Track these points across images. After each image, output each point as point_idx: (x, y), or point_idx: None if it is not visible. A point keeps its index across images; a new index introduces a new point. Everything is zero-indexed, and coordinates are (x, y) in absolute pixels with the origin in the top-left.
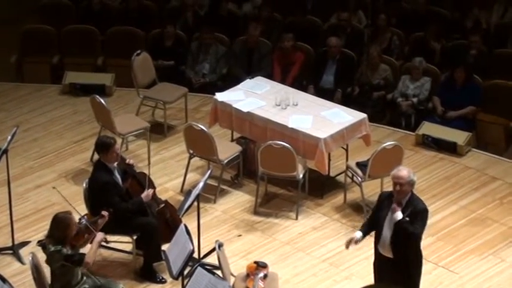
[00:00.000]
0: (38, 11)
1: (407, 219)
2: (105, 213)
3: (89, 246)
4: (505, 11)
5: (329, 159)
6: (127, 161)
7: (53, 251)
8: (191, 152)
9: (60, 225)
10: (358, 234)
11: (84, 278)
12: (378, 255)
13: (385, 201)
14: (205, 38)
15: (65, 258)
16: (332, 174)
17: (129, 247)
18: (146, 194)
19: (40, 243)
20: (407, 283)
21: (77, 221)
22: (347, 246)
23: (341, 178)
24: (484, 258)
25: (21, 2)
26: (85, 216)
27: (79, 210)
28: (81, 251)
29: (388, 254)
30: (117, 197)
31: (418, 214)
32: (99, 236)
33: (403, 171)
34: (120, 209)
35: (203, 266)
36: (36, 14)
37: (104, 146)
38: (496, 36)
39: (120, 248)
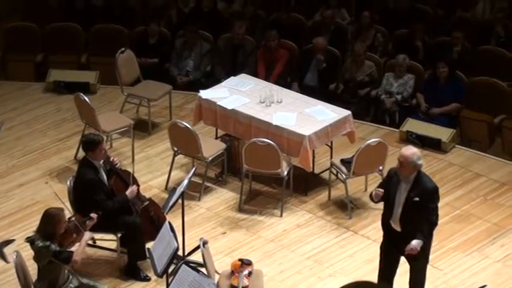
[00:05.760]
0: (21, 9)
1: (417, 199)
2: (94, 215)
3: (76, 245)
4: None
5: (313, 156)
6: (111, 159)
7: (41, 247)
8: (175, 149)
9: (51, 221)
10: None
11: (71, 277)
12: (387, 231)
13: (394, 177)
14: (190, 35)
15: (54, 254)
16: (316, 171)
17: (113, 245)
18: (131, 190)
19: (28, 238)
20: (419, 257)
21: (66, 219)
22: (375, 199)
23: (325, 175)
24: (468, 255)
25: (5, 0)
26: (74, 216)
27: (69, 207)
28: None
29: (399, 228)
30: (103, 195)
31: (429, 195)
32: (87, 235)
33: (408, 152)
34: (105, 207)
35: (188, 263)
36: (20, 11)
37: (91, 144)
38: (480, 32)
39: (105, 246)
